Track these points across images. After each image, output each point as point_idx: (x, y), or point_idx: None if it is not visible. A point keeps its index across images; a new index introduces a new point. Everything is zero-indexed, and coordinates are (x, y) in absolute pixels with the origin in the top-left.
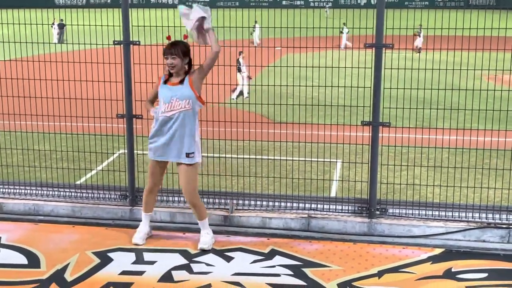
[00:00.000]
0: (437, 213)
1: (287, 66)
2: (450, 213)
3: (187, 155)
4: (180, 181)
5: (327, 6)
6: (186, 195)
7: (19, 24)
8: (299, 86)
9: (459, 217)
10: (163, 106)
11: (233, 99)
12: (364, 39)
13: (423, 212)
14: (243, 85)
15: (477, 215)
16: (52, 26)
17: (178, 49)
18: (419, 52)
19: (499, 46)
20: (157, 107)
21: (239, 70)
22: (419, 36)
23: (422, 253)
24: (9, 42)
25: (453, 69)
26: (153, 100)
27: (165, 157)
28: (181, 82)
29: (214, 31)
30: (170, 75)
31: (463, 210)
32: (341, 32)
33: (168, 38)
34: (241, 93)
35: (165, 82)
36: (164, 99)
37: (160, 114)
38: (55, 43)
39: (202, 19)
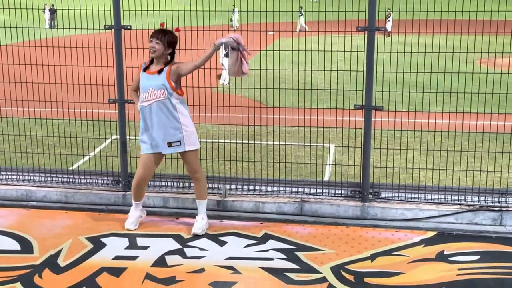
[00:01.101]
0: (429, 196)
1: (279, 51)
2: (442, 196)
3: (169, 144)
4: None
5: None
6: (189, 172)
7: (9, 8)
8: (292, 70)
9: (451, 200)
10: (142, 95)
11: (224, 83)
12: (356, 23)
13: (416, 195)
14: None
15: (469, 198)
16: (43, 11)
17: (165, 36)
18: (389, 36)
19: (492, 29)
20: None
21: (226, 55)
22: (389, 20)
23: (414, 236)
24: (4, 27)
25: (446, 53)
26: (137, 88)
27: (154, 149)
28: (159, 72)
29: (215, 49)
30: (151, 62)
31: (456, 193)
32: (300, 15)
33: (162, 25)
34: (219, 76)
35: (145, 69)
36: (142, 89)
37: (140, 103)
38: (45, 28)
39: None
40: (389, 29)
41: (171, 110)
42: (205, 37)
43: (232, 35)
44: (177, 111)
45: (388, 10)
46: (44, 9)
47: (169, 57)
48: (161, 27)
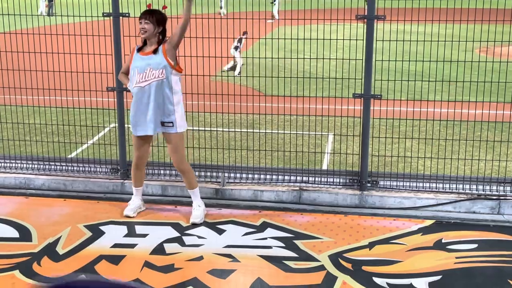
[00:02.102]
0: (427, 185)
1: (278, 39)
2: (440, 185)
3: (162, 123)
4: (168, 150)
5: None
6: (175, 163)
7: None
8: (291, 59)
9: (449, 189)
10: (137, 76)
11: (225, 70)
12: (356, 12)
13: (414, 184)
14: (240, 61)
15: (467, 186)
16: None
17: (153, 15)
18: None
19: (491, 18)
20: (130, 78)
21: (236, 48)
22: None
23: (412, 224)
24: (2, 14)
25: (445, 41)
26: (127, 72)
27: (145, 131)
28: (155, 51)
29: (192, 2)
30: (144, 44)
31: (454, 181)
32: (273, 3)
33: (148, 6)
34: (233, 68)
35: (138, 50)
36: (139, 69)
37: (134, 85)
38: (43, 15)
39: None
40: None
41: (167, 91)
42: (198, 24)
43: None
44: (173, 92)
45: None
46: None
47: (160, 36)
48: (148, 8)
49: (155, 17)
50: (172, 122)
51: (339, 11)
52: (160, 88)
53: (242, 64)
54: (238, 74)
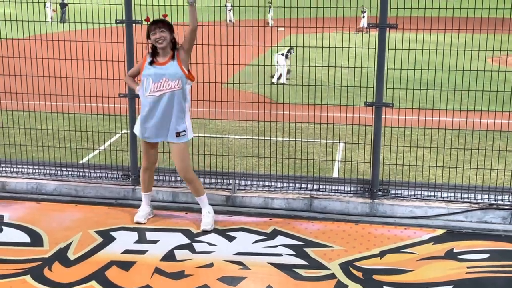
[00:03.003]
0: (439, 194)
1: (290, 47)
2: (452, 194)
3: (177, 134)
4: (173, 159)
5: None
6: (181, 172)
7: (15, 2)
8: (302, 66)
9: (461, 198)
10: (152, 85)
11: (274, 82)
12: (367, 20)
13: (425, 193)
14: (284, 68)
15: (479, 196)
16: (45, 6)
17: (165, 23)
18: (366, 33)
19: (504, 27)
20: (141, 85)
21: (284, 56)
22: (363, 16)
23: (424, 233)
24: (10, 20)
25: (457, 50)
26: (135, 75)
27: (156, 138)
28: (170, 60)
29: (195, 7)
30: (153, 55)
31: (465, 191)
32: (269, 11)
33: (147, 19)
34: (279, 77)
35: (151, 63)
36: (153, 78)
37: (148, 93)
38: (54, 22)
39: None
40: (365, 25)
41: (181, 101)
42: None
43: None
44: (186, 101)
45: (363, 6)
46: (46, 3)
47: (172, 44)
48: (147, 21)
49: (167, 24)
50: (185, 131)
51: (351, 20)
52: (175, 98)
53: (288, 71)
54: (287, 80)
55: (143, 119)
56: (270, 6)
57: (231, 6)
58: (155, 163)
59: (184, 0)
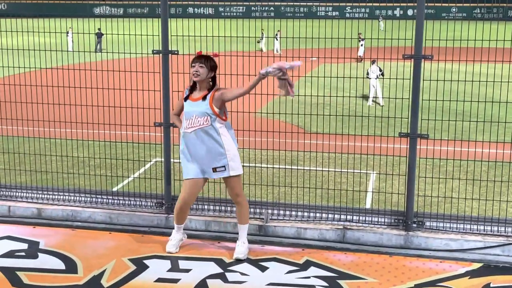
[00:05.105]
0: (475, 227)
1: (324, 77)
2: (488, 227)
3: (214, 169)
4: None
5: (380, 17)
6: (232, 197)
7: (50, 32)
8: (336, 96)
9: (498, 232)
10: (185, 122)
11: (370, 105)
12: (402, 50)
13: (461, 225)
14: (378, 88)
15: None
16: (67, 35)
17: (208, 60)
18: (361, 61)
19: None
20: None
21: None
22: (361, 45)
23: (460, 267)
24: (50, 50)
25: (494, 81)
26: (179, 112)
27: (199, 174)
28: (203, 98)
29: (261, 78)
30: (192, 90)
31: (502, 224)
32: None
33: (199, 53)
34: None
35: (186, 98)
36: (186, 115)
37: (183, 130)
38: (67, 51)
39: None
40: (361, 54)
41: (215, 136)
42: (251, 62)
43: (275, 64)
44: (221, 135)
45: (359, 34)
46: (67, 33)
47: (211, 83)
48: (199, 54)
49: (210, 61)
50: (224, 166)
51: (386, 49)
52: (206, 134)
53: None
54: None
55: (184, 155)
56: (276, 36)
57: (279, 37)
58: (191, 203)
59: (221, 30)
